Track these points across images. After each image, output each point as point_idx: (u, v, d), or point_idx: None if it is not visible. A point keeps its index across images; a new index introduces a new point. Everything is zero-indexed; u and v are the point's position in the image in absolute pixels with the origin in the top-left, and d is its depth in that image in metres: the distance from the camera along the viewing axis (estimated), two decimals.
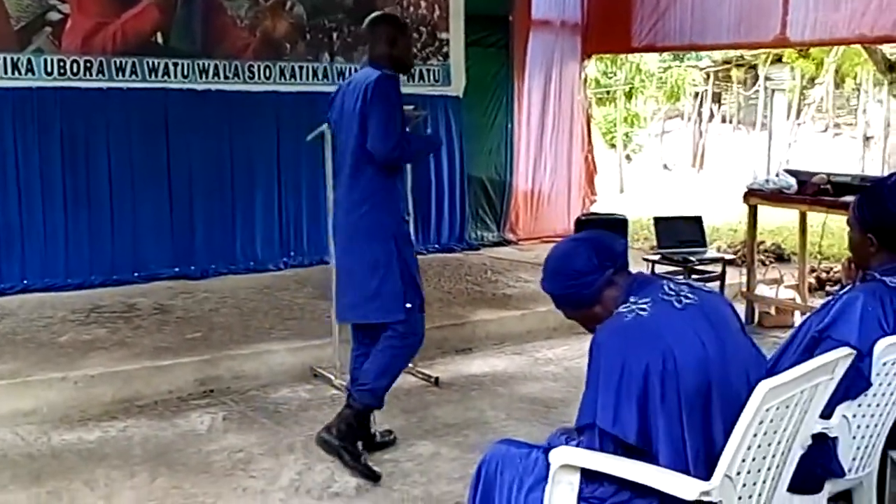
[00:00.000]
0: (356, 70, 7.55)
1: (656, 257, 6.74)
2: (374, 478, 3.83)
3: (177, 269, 6.97)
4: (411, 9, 7.96)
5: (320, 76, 7.53)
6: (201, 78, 6.99)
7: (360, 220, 3.98)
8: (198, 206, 7.11)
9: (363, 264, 3.96)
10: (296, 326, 5.69)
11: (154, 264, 6.91)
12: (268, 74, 7.31)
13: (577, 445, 2.30)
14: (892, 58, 9.74)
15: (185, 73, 6.92)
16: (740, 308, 6.61)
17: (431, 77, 8.11)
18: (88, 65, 6.56)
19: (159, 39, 6.87)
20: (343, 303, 4.21)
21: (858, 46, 11.26)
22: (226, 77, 7.10)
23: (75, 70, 6.51)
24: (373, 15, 4.28)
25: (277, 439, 4.29)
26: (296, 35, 7.46)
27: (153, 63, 6.80)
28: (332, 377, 5.02)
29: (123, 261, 6.79)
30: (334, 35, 7.61)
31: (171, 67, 6.87)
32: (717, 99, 22.31)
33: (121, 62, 6.67)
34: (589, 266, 2.38)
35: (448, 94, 8.26)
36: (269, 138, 7.38)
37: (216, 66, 7.06)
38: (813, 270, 7.32)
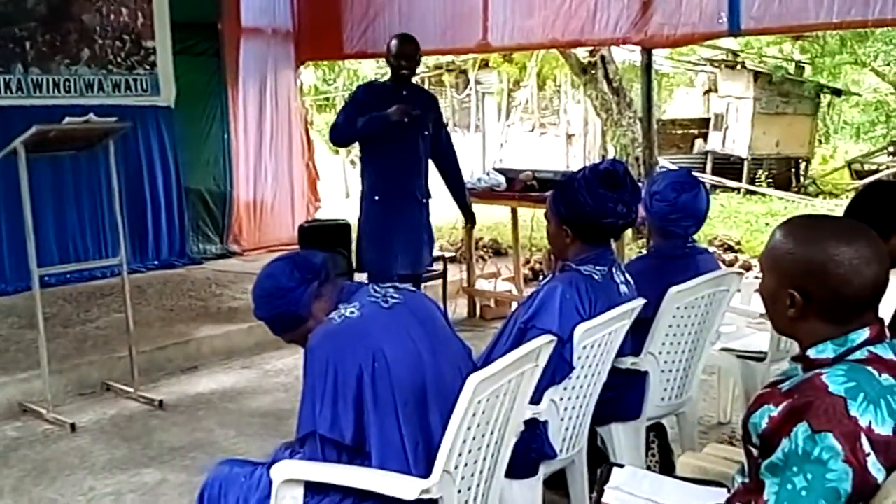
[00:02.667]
0: (54, 81, 7.17)
1: None
2: None
3: None
4: (112, 16, 7.54)
5: (14, 89, 6.95)
6: None
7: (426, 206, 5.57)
8: None
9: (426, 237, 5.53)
10: None
11: None
12: None
13: (300, 457, 2.29)
14: (585, 61, 10.49)
15: None
16: (462, 303, 6.88)
17: (139, 87, 7.73)
18: None
19: None
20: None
21: (555, 51, 12.03)
22: None
23: None
24: None
25: None
26: None
27: None
28: (44, 411, 4.65)
29: None
30: (27, 44, 7.04)
31: None
32: None
33: None
34: (292, 281, 2.37)
35: (158, 105, 7.92)
36: None
37: None
38: (527, 262, 7.76)
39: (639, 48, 6.72)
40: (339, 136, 5.33)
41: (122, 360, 5.11)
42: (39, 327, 4.65)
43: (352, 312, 2.28)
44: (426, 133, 5.26)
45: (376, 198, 5.26)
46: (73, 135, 4.83)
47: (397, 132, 5.05)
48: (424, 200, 5.38)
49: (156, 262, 7.97)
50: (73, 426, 4.52)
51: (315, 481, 2.20)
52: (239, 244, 8.79)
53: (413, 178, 5.28)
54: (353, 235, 5.60)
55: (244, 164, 8.84)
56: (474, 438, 2.22)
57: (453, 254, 7.65)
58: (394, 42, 5.20)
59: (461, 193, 5.79)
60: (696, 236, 3.51)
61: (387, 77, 5.52)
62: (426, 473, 2.15)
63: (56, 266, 6.35)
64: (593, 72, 10.48)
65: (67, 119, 4.68)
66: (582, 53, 10.46)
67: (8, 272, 6.90)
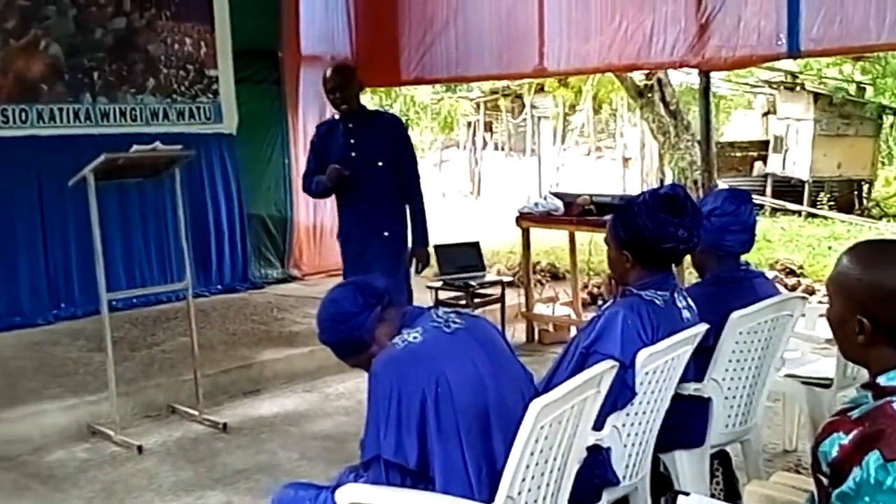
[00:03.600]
0: (121, 110, 7.39)
1: (438, 284, 6.88)
2: None
3: None
4: (176, 46, 7.75)
5: (82, 118, 7.17)
6: None
7: None
8: None
9: None
10: (69, 383, 5.37)
11: None
12: (24, 118, 6.87)
13: (364, 481, 2.31)
14: (641, 84, 10.46)
15: None
16: (520, 327, 6.87)
17: (202, 115, 7.92)
18: None
19: None
20: None
21: (611, 74, 12.02)
22: None
23: None
24: None
25: None
26: (53, 76, 7.06)
27: None
28: (112, 433, 4.76)
29: None
30: (95, 75, 7.28)
31: None
32: (488, 128, 23.16)
33: None
34: (356, 306, 2.42)
35: (221, 132, 8.10)
36: (30, 185, 6.94)
37: None
38: (585, 287, 7.73)
39: (696, 71, 6.69)
40: (308, 193, 5.38)
41: (187, 383, 5.20)
42: (108, 350, 4.77)
43: (415, 337, 2.31)
44: (380, 164, 4.96)
45: (341, 239, 5.22)
46: (141, 162, 4.97)
47: (344, 178, 4.92)
48: (387, 234, 5.05)
49: (219, 287, 8.12)
50: (140, 448, 4.61)
51: None
52: (299, 269, 8.91)
53: (370, 213, 5.02)
54: None
55: None
56: (537, 464, 2.23)
57: (511, 278, 7.64)
58: (326, 74, 5.06)
59: (418, 227, 5.19)
60: (755, 260, 3.48)
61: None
62: (490, 499, 2.16)
63: (123, 291, 6.50)
64: (650, 95, 10.46)
65: (135, 147, 4.82)
66: (638, 76, 10.45)
67: (77, 296, 7.10)
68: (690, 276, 7.34)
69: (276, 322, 7.02)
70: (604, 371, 2.44)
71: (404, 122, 5.19)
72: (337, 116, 5.12)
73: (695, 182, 9.52)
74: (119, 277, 7.13)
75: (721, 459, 3.54)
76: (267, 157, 8.76)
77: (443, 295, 6.80)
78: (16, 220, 6.91)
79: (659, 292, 2.94)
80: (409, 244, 5.18)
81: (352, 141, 4.95)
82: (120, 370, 5.06)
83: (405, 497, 2.21)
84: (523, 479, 2.18)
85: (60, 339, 6.47)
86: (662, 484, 3.17)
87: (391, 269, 4.92)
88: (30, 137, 6.90)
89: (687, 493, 2.14)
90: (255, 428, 5.02)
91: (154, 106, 7.61)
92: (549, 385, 2.68)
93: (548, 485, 2.31)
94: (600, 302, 7.36)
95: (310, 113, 8.94)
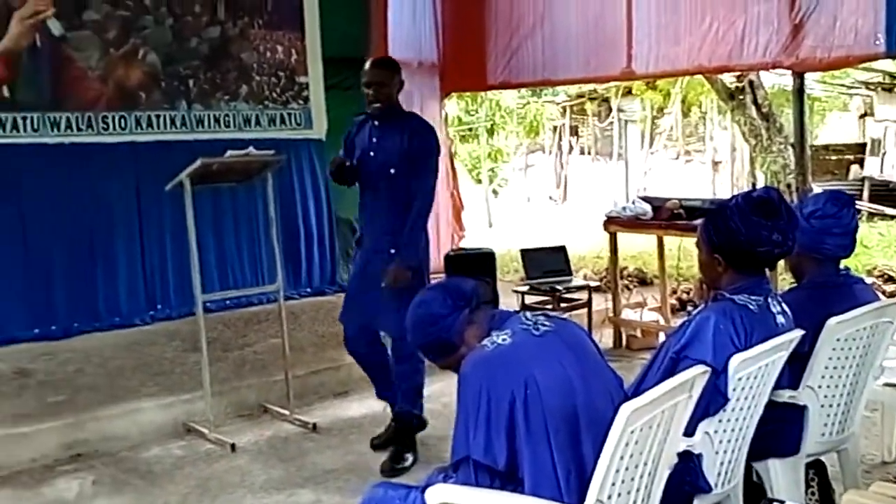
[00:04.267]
0: (215, 116, 7.59)
1: (525, 288, 6.88)
2: None
3: (36, 331, 6.65)
4: (268, 54, 7.93)
5: (178, 124, 7.40)
6: (52, 131, 6.75)
7: None
8: (56, 263, 6.83)
9: None
10: (165, 382, 5.53)
11: (12, 326, 6.56)
12: (123, 125, 7.13)
13: (454, 482, 2.33)
14: (732, 86, 10.28)
15: (35, 126, 6.68)
16: (608, 333, 6.81)
17: (293, 121, 8.08)
18: None
19: (6, 93, 6.60)
20: None
21: (700, 77, 11.84)
22: (79, 129, 6.88)
23: None
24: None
25: (150, 500, 4.16)
26: (150, 84, 7.30)
27: (1, 118, 6.53)
28: (206, 431, 4.89)
29: None
30: (191, 82, 7.50)
31: (20, 121, 6.61)
32: (574, 132, 23.02)
33: None
34: (444, 308, 2.46)
35: (311, 138, 8.25)
36: (129, 189, 7.18)
37: (68, 119, 6.83)
38: (674, 292, 7.63)
39: (789, 72, 6.55)
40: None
41: (278, 383, 5.31)
42: (202, 351, 4.90)
43: (504, 339, 2.33)
44: (391, 172, 4.39)
45: (355, 244, 4.76)
46: (234, 167, 5.09)
47: (362, 177, 4.55)
48: (393, 251, 4.39)
49: (308, 290, 8.25)
50: (233, 446, 4.72)
51: None
52: None
53: (376, 225, 4.51)
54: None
55: None
56: (627, 469, 2.21)
57: (598, 283, 7.59)
58: (364, 68, 4.61)
59: (407, 242, 4.42)
60: (853, 266, 3.39)
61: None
62: (579, 503, 2.15)
63: (217, 292, 6.66)
64: (741, 97, 10.26)
65: (229, 152, 4.94)
66: (729, 79, 10.26)
67: (173, 298, 7.31)
68: (784, 281, 7.18)
69: None
70: (696, 376, 2.41)
71: (433, 130, 4.57)
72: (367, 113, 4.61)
73: (788, 186, 9.31)
74: (213, 280, 7.31)
75: (816, 469, 3.46)
76: None
77: (529, 299, 6.80)
78: (115, 223, 7.15)
79: (752, 297, 2.89)
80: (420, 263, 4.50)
81: (374, 140, 4.51)
82: (214, 370, 5.18)
83: (494, 498, 2.21)
84: (613, 484, 2.16)
85: (157, 339, 6.67)
86: (755, 493, 3.11)
87: (395, 293, 4.28)
88: (128, 143, 7.15)
89: (782, 502, 2.10)
90: (345, 429, 5.09)
91: (246, 112, 7.79)
92: (638, 390, 2.66)
93: (637, 490, 2.29)
94: (690, 308, 7.28)
95: None
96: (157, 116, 7.33)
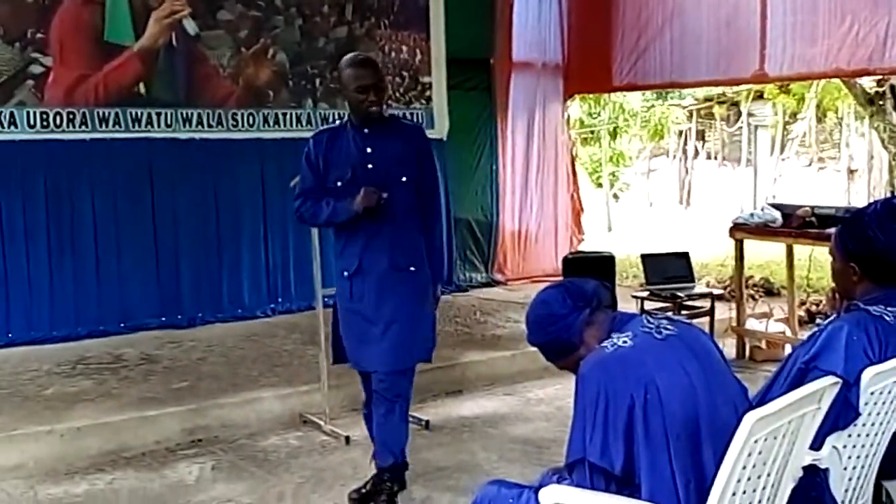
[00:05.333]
0: (339, 115, 7.70)
1: (644, 294, 6.74)
2: None
3: (163, 319, 6.93)
4: (393, 54, 8.02)
5: (304, 122, 7.56)
6: (184, 127, 7.01)
7: None
8: (184, 254, 7.09)
9: None
10: (284, 373, 5.65)
11: (140, 314, 6.86)
12: (251, 122, 7.33)
13: (568, 483, 2.28)
14: (872, 91, 9.84)
15: (169, 122, 6.94)
16: (731, 342, 6.61)
17: (415, 121, 8.12)
18: (71, 116, 6.57)
19: (142, 90, 6.90)
20: None
21: (838, 80, 11.39)
22: (209, 125, 7.13)
23: (58, 122, 6.52)
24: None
25: (267, 487, 4.24)
26: (279, 82, 7.49)
27: (136, 113, 6.81)
28: (322, 423, 4.97)
29: (109, 312, 6.74)
30: (317, 81, 7.65)
31: (154, 117, 6.89)
32: (700, 136, 22.51)
33: (104, 113, 6.69)
34: (565, 308, 2.42)
35: (432, 138, 8.22)
36: (254, 185, 7.38)
37: (199, 115, 7.08)
38: (802, 303, 7.34)
39: None
40: (304, 221, 4.19)
41: None
42: (321, 345, 4.98)
43: (624, 342, 2.27)
44: (403, 180, 3.91)
45: (347, 273, 4.01)
46: None
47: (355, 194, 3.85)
48: (413, 269, 3.97)
49: None
50: (347, 439, 4.78)
51: None
52: (503, 273, 8.98)
53: (392, 241, 3.93)
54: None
55: (510, 195, 9.04)
56: (749, 479, 2.11)
57: (721, 291, 7.36)
58: (348, 70, 3.86)
59: (437, 265, 4.09)
60: None
61: (344, 118, 4.02)
62: None
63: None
64: (881, 102, 9.81)
65: None
66: (869, 83, 9.82)
67: (294, 292, 7.47)
68: None
69: (479, 325, 7.10)
70: (825, 387, 2.29)
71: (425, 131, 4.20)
72: (341, 122, 4.01)
73: None
74: (332, 275, 7.41)
75: None
76: (475, 163, 8.89)
77: (648, 305, 6.66)
78: (241, 218, 7.36)
79: (889, 308, 2.73)
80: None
81: (368, 150, 3.88)
82: (331, 364, 5.24)
83: (609, 502, 2.15)
84: (734, 494, 2.07)
85: (277, 331, 6.83)
86: None
87: (418, 313, 3.99)
88: (255, 140, 7.35)
89: None
90: (457, 427, 5.08)
91: None
92: (763, 400, 2.54)
93: (759, 502, 2.19)
94: (819, 319, 6.99)
95: (518, 119, 9.02)
96: (284, 114, 7.51)
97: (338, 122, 3.98)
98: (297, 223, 4.23)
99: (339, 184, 3.87)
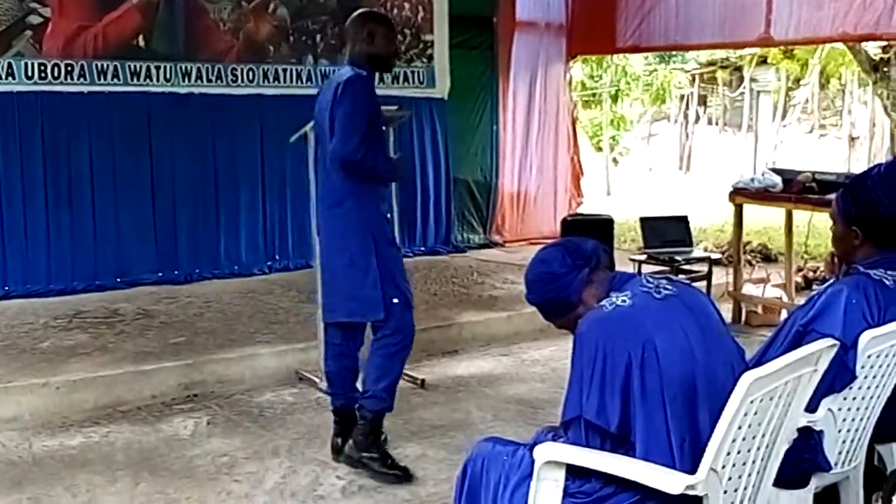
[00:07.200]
0: None
1: (642, 257, 6.73)
2: (407, 478, 3.82)
3: (160, 274, 6.92)
4: (395, 10, 7.93)
5: (304, 79, 7.50)
6: (184, 81, 6.94)
7: (337, 219, 3.93)
8: (181, 210, 7.06)
9: (342, 263, 3.92)
10: (280, 330, 5.65)
11: (137, 269, 6.85)
12: (251, 77, 7.27)
13: (564, 441, 2.29)
14: (877, 57, 9.76)
15: (168, 76, 6.88)
16: (727, 307, 6.61)
17: (416, 79, 8.08)
18: (70, 68, 6.51)
19: (141, 42, 6.83)
20: (326, 302, 4.14)
21: (843, 46, 11.30)
22: (209, 80, 7.06)
23: (56, 74, 6.46)
24: (355, 13, 4.18)
25: (262, 443, 4.25)
26: (279, 37, 7.42)
27: (135, 66, 6.75)
28: (318, 380, 4.97)
29: (106, 266, 6.73)
30: (318, 37, 7.58)
31: (154, 71, 6.82)
32: (702, 101, 22.38)
33: (102, 65, 6.62)
34: (564, 267, 2.41)
35: (433, 97, 8.23)
36: (253, 141, 7.33)
37: (199, 69, 7.01)
38: (800, 269, 7.33)
39: None
40: (364, 167, 3.81)
41: None
42: (318, 302, 4.95)
43: (623, 301, 2.26)
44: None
45: (388, 217, 4.11)
46: None
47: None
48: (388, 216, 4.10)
49: (422, 248, 8.30)
50: None
51: (577, 465, 2.19)
52: (501, 235, 8.97)
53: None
54: None
55: (510, 157, 8.99)
56: (744, 440, 2.12)
57: (719, 256, 7.36)
58: (383, 29, 3.95)
59: None
60: None
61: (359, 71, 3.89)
62: (691, 471, 2.07)
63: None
64: (885, 69, 9.73)
65: None
66: (873, 49, 9.74)
67: (291, 250, 7.46)
68: None
69: (476, 286, 7.10)
70: (822, 349, 2.28)
71: None
72: (365, 73, 3.87)
73: None
74: None
75: None
76: (476, 123, 8.84)
77: (646, 268, 6.62)
78: (239, 175, 7.33)
79: (889, 272, 2.73)
80: None
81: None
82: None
83: (605, 460, 2.15)
84: (728, 454, 2.07)
85: (274, 289, 6.82)
86: (875, 477, 2.96)
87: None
88: (255, 96, 7.30)
89: None
90: (452, 387, 5.10)
91: None
92: (760, 362, 2.54)
93: (753, 462, 2.19)
94: (815, 286, 6.99)
95: (520, 79, 8.95)
96: (284, 70, 7.44)
97: (351, 71, 3.86)
98: (340, 169, 3.81)
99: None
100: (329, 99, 3.85)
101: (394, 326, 3.90)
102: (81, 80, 6.55)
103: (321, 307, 4.28)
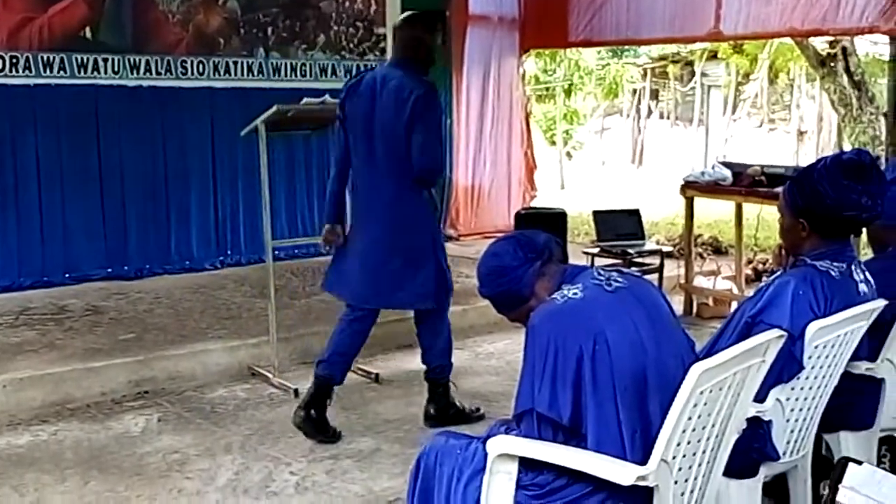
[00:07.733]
0: (292, 65, 7.57)
1: (596, 250, 6.77)
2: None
3: (109, 270, 6.80)
4: (347, 3, 7.89)
5: (255, 72, 7.42)
6: (132, 74, 6.83)
7: (400, 216, 4.12)
8: (131, 204, 6.94)
9: (408, 254, 4.18)
10: (232, 326, 5.59)
11: (86, 265, 6.72)
12: (201, 70, 7.17)
13: (516, 434, 2.29)
14: (824, 53, 9.91)
15: (116, 68, 6.76)
16: (679, 299, 6.68)
17: None
18: (14, 60, 6.36)
19: (88, 34, 6.70)
20: (376, 289, 4.28)
21: (791, 42, 11.46)
22: (158, 73, 6.95)
23: (1, 66, 6.31)
24: (407, 14, 4.27)
25: (214, 439, 4.21)
26: (229, 30, 7.33)
27: (82, 59, 6.62)
28: (270, 375, 4.94)
29: (54, 262, 6.60)
30: (269, 30, 7.50)
31: (101, 63, 6.70)
32: (654, 95, 22.58)
33: (48, 58, 6.49)
34: (515, 260, 2.42)
35: None
36: (204, 135, 7.24)
37: (147, 62, 6.90)
38: (749, 262, 7.44)
39: (887, 38, 6.28)
40: (440, 172, 4.40)
41: None
42: (271, 297, 4.94)
43: (574, 294, 2.27)
44: None
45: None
46: (309, 116, 5.09)
47: None
48: None
49: None
50: (296, 392, 4.74)
51: (530, 458, 2.20)
52: (455, 229, 8.96)
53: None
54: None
55: (464, 151, 8.99)
56: (694, 430, 2.14)
57: (671, 249, 7.44)
58: (437, 35, 4.21)
59: None
60: None
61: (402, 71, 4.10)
62: (642, 462, 2.09)
63: (287, 240, 6.70)
64: (832, 64, 9.88)
65: (305, 100, 4.92)
66: (820, 44, 9.89)
67: (243, 244, 7.39)
68: (865, 255, 6.94)
69: None
70: (770, 340, 2.31)
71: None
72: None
73: (877, 158, 8.96)
74: (283, 228, 7.37)
75: (889, 445, 3.33)
76: None
77: (599, 262, 6.67)
78: (190, 168, 7.23)
79: (835, 263, 2.77)
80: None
81: None
82: (280, 317, 5.21)
83: (556, 452, 2.17)
84: (678, 444, 2.10)
85: (226, 284, 6.75)
86: (823, 466, 3.01)
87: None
88: (206, 89, 7.21)
89: (860, 462, 2.01)
90: (407, 381, 5.08)
91: (323, 62, 7.78)
92: (710, 353, 2.56)
93: (703, 452, 2.22)
94: (765, 278, 7.10)
95: (473, 73, 8.95)
96: (235, 63, 7.36)
97: (417, 80, 4.01)
98: (421, 178, 4.10)
99: None
100: (391, 106, 3.97)
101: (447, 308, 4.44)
102: (27, 72, 6.42)
103: (354, 296, 4.38)
